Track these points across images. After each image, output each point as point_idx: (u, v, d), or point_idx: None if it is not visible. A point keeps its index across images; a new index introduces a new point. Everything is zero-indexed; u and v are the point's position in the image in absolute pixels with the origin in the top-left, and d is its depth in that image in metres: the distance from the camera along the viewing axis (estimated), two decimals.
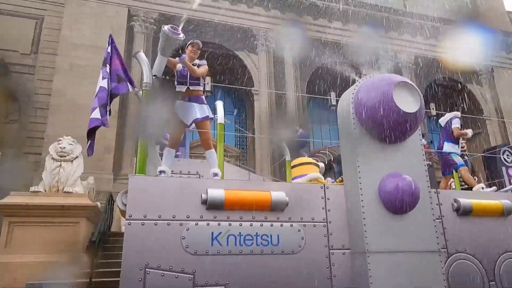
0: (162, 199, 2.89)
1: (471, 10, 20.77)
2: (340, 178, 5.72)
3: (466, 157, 6.37)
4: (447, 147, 5.75)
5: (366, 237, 3.01)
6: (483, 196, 3.99)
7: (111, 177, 12.37)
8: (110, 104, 3.69)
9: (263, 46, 16.60)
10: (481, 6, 21.80)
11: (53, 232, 6.26)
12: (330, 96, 16.48)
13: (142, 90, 3.47)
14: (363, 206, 3.11)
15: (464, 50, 17.54)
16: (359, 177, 3.18)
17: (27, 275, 5.48)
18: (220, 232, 2.91)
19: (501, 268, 3.61)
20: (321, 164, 6.41)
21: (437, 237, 3.22)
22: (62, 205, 6.45)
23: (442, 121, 6.09)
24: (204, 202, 2.94)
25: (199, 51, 4.26)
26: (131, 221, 2.76)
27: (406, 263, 3.02)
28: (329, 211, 3.26)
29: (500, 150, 13.55)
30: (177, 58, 4.12)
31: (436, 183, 8.59)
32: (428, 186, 3.35)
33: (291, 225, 3.10)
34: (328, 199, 3.30)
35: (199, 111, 4.07)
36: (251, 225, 3.00)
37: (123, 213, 3.08)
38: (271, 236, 3.01)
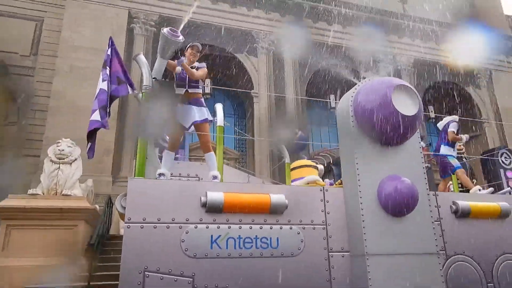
0: (162, 202, 2.89)
1: (470, 13, 20.89)
2: (339, 181, 5.74)
3: (464, 160, 6.47)
4: (444, 150, 5.93)
5: (365, 239, 3.02)
6: (481, 199, 4.02)
7: (110, 179, 12.34)
8: (110, 106, 3.70)
9: (263, 49, 16.65)
10: (480, 9, 21.95)
11: (51, 235, 6.23)
12: (329, 99, 16.52)
13: (142, 93, 3.48)
14: (362, 209, 3.11)
15: (463, 53, 17.64)
16: (358, 180, 3.19)
17: (25, 279, 5.45)
18: (220, 235, 2.91)
19: (499, 270, 3.63)
20: (320, 167, 6.42)
21: (436, 239, 3.23)
22: (60, 208, 6.43)
23: (440, 124, 6.27)
24: (204, 205, 2.94)
25: (198, 54, 4.27)
26: (130, 224, 2.76)
27: (405, 265, 3.03)
28: (328, 213, 3.27)
29: (498, 152, 13.63)
30: (176, 61, 4.14)
31: (434, 185, 8.61)
32: (427, 189, 3.36)
33: (291, 228, 3.10)
34: (327, 202, 3.30)
35: (198, 113, 4.08)
36: (250, 228, 3.00)
37: (122, 216, 3.08)
38: (270, 239, 3.01)
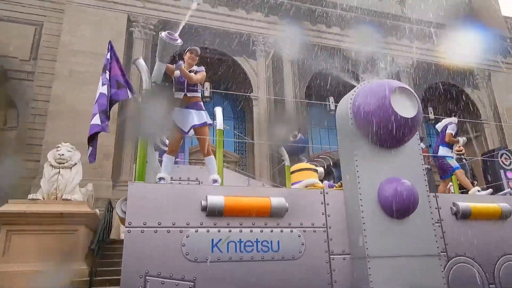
0: (162, 206, 2.89)
1: (468, 14, 21.00)
2: (339, 183, 5.74)
3: (464, 161, 6.49)
4: (442, 151, 5.97)
5: (366, 242, 3.01)
6: (481, 200, 4.02)
7: (110, 183, 12.32)
8: (109, 110, 3.70)
9: (262, 52, 16.70)
10: (478, 11, 22.05)
11: (51, 240, 6.21)
12: (328, 101, 16.55)
13: (142, 97, 3.49)
14: (362, 211, 3.11)
15: (462, 54, 17.72)
16: (358, 182, 3.19)
17: (25, 284, 5.42)
18: (220, 239, 2.90)
19: (501, 271, 3.62)
20: (320, 169, 6.41)
21: (437, 241, 3.23)
22: (60, 213, 6.41)
23: (439, 126, 6.31)
24: (204, 208, 2.94)
25: (197, 58, 4.28)
26: (130, 229, 2.76)
27: (407, 268, 3.02)
28: (329, 216, 3.26)
29: (498, 153, 13.65)
30: (174, 65, 4.15)
31: (434, 187, 8.61)
32: (427, 190, 3.37)
33: (291, 231, 3.10)
34: (327, 204, 3.30)
35: (197, 117, 4.08)
36: (251, 231, 3.00)
37: (122, 220, 3.07)
38: (271, 242, 3.01)
